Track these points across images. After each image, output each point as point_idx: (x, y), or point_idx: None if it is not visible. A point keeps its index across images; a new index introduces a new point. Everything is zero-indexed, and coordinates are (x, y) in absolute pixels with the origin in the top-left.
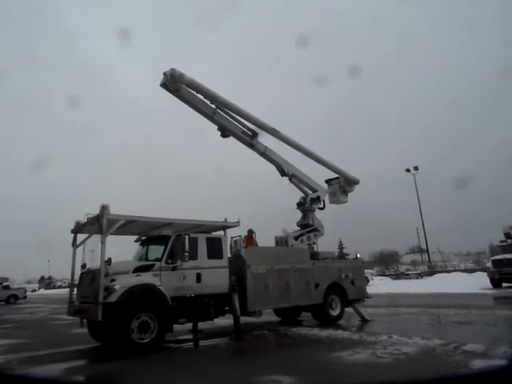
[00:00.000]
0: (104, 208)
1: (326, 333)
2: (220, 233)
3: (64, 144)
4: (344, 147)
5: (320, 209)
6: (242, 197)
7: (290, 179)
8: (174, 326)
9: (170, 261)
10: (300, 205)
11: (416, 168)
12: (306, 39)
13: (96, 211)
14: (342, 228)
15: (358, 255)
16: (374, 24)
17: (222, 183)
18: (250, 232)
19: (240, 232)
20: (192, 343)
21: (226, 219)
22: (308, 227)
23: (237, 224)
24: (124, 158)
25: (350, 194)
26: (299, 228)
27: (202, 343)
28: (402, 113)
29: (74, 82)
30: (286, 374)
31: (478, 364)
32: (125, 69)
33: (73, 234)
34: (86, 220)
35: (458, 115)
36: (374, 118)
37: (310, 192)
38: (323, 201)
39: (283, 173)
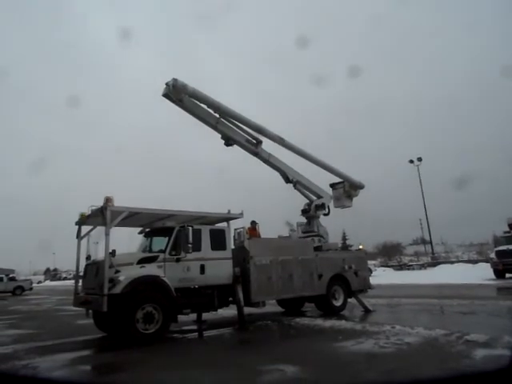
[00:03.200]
0: (108, 200)
1: (329, 323)
2: (223, 224)
3: (68, 138)
4: (345, 144)
5: (325, 215)
6: (244, 188)
7: (294, 186)
8: (179, 316)
9: (173, 252)
10: (305, 212)
11: (419, 159)
12: (307, 39)
13: (100, 203)
14: (345, 219)
15: (361, 246)
16: (373, 24)
17: (223, 176)
18: (254, 224)
19: (243, 224)
20: (196, 333)
21: (229, 211)
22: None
23: (240, 216)
24: (128, 153)
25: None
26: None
27: (206, 333)
28: (403, 107)
29: (75, 79)
30: (289, 363)
31: (481, 353)
32: (130, 65)
33: (77, 226)
34: (90, 212)
35: (459, 114)
36: (375, 115)
37: (315, 198)
38: (328, 206)
39: (288, 179)
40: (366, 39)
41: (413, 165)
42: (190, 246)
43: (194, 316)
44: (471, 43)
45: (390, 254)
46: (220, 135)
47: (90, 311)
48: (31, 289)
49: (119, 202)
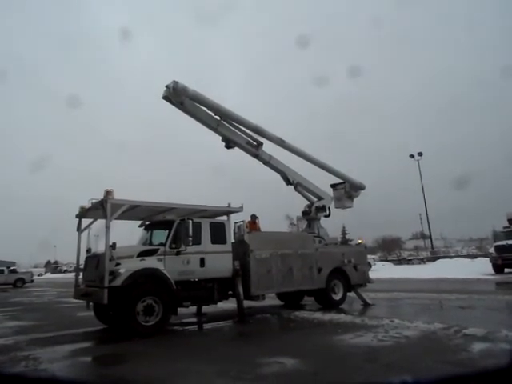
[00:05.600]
0: (108, 193)
1: (328, 317)
2: (223, 218)
3: (69, 133)
4: (346, 140)
5: (325, 216)
6: (243, 182)
7: (295, 188)
8: (179, 309)
9: (173, 245)
10: (305, 213)
11: (420, 154)
12: (307, 39)
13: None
14: (345, 214)
15: (361, 241)
16: (374, 24)
17: (223, 171)
18: (253, 217)
19: (243, 217)
20: (196, 326)
21: (229, 204)
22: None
23: (240, 209)
24: (130, 148)
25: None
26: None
27: (205, 326)
28: (403, 106)
29: (76, 75)
30: (288, 355)
31: (479, 347)
32: (130, 63)
33: (78, 219)
34: (90, 205)
35: (459, 113)
36: (375, 114)
37: (315, 199)
38: (328, 208)
39: (288, 181)
40: (366, 39)
41: (413, 159)
42: (190, 239)
43: (193, 309)
44: (472, 43)
45: (390, 248)
46: (220, 137)
47: (91, 303)
48: (32, 281)
49: (119, 196)
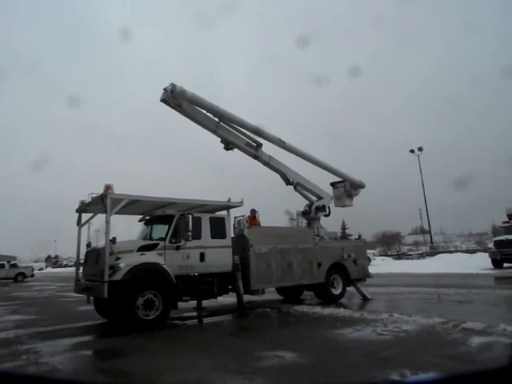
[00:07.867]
0: (108, 188)
1: (327, 311)
2: (223, 213)
3: (70, 131)
4: (346, 137)
5: (325, 216)
6: (243, 178)
7: (294, 188)
8: (179, 303)
9: (173, 240)
10: (305, 213)
11: (420, 149)
12: (307, 39)
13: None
14: (344, 208)
15: (361, 235)
16: (374, 24)
17: (222, 166)
18: (253, 212)
19: (243, 212)
20: (196, 320)
21: (229, 199)
22: None
23: (240, 204)
24: (130, 143)
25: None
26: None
27: (205, 320)
28: (404, 105)
29: (76, 75)
30: (288, 349)
31: (477, 341)
32: (129, 62)
33: (78, 214)
34: (90, 200)
35: (459, 112)
36: (375, 113)
37: (315, 199)
38: (328, 207)
39: (288, 181)
40: (366, 39)
41: (413, 154)
42: (189, 233)
43: (193, 303)
44: (472, 43)
45: (389, 243)
46: (220, 139)
47: (91, 298)
48: (33, 275)
49: (119, 190)
